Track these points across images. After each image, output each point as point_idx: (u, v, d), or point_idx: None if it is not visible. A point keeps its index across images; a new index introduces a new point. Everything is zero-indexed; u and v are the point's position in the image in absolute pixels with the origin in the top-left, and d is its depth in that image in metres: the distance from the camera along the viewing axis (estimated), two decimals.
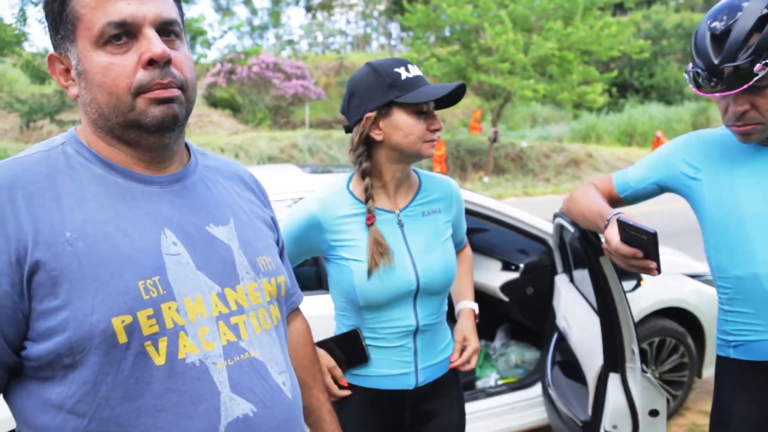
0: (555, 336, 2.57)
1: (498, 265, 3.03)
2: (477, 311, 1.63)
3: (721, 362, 1.43)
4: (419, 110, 1.37)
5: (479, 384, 2.87)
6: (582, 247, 1.79)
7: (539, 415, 2.68)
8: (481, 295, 2.83)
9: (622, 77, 26.22)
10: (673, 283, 2.98)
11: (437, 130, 1.39)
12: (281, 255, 1.11)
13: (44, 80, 11.54)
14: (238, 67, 17.77)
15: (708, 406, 3.20)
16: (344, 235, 1.42)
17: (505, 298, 2.90)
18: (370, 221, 1.40)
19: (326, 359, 1.45)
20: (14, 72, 14.96)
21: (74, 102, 1.00)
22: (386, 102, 1.35)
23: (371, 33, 41.38)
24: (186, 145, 0.99)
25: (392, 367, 1.45)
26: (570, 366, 2.42)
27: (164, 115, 0.84)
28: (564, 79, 14.64)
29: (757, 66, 1.19)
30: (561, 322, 2.49)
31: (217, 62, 18.34)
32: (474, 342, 1.56)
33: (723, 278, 1.37)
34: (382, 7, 33.01)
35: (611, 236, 1.32)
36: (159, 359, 0.80)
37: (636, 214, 1.55)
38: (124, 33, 0.82)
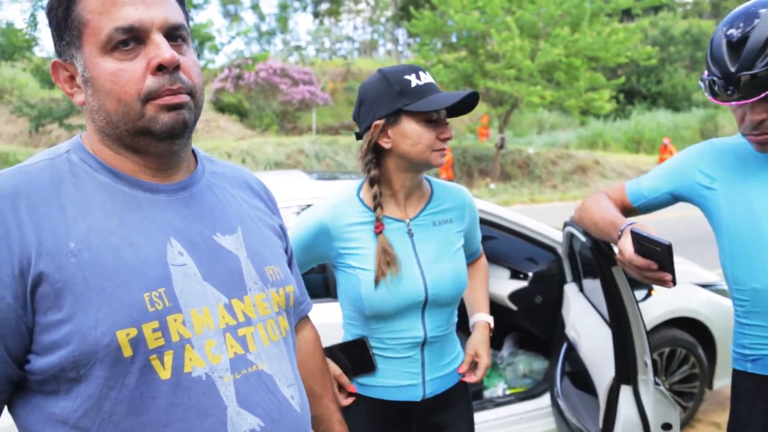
0: (564, 346, 2.54)
1: (506, 273, 3.00)
2: (492, 325, 1.60)
3: (738, 376, 1.40)
4: (429, 118, 1.34)
5: (487, 394, 2.84)
6: (594, 257, 1.77)
7: (548, 425, 2.65)
8: (489, 303, 2.81)
9: (630, 84, 26.12)
10: (683, 293, 2.94)
11: (447, 138, 1.37)
12: (290, 263, 1.09)
13: (54, 85, 11.62)
14: (246, 72, 17.84)
15: (719, 418, 3.16)
16: (353, 243, 1.40)
17: (514, 307, 2.87)
18: (379, 229, 1.38)
19: (331, 367, 1.43)
20: (24, 76, 15.08)
21: (83, 107, 0.98)
22: (395, 110, 1.33)
23: (378, 39, 41.51)
24: (193, 152, 0.98)
25: (399, 378, 1.43)
26: (580, 377, 2.38)
27: (174, 122, 0.82)
28: (571, 86, 14.61)
29: None
30: (570, 332, 2.46)
31: (225, 67, 18.43)
32: (486, 359, 1.53)
33: (740, 290, 1.34)
34: (389, 13, 33.11)
35: (625, 247, 1.30)
36: (164, 373, 0.78)
37: (649, 221, 1.53)
38: (132, 38, 0.80)
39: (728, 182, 1.37)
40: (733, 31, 1.22)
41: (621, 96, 25.11)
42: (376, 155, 1.40)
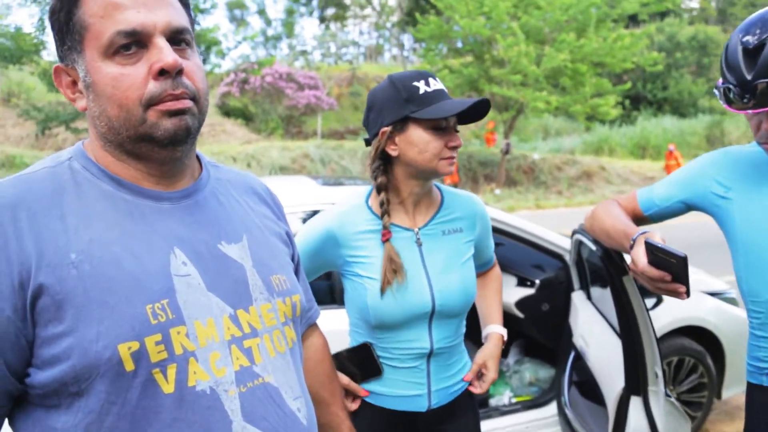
0: (572, 355, 2.51)
1: (513, 280, 2.97)
2: (506, 337, 1.58)
3: (753, 390, 1.37)
4: (436, 126, 1.32)
5: (492, 402, 2.81)
6: (605, 266, 1.74)
7: None
8: (502, 314, 2.79)
9: (636, 90, 26.09)
10: (691, 301, 2.91)
11: (456, 147, 1.34)
12: (297, 271, 1.07)
13: None
14: (252, 76, 17.91)
15: (728, 428, 3.12)
16: (360, 251, 1.38)
17: (520, 315, 2.84)
18: (386, 237, 1.36)
19: (339, 375, 1.41)
20: (32, 80, 15.17)
21: (85, 112, 0.96)
22: (402, 117, 1.31)
23: (384, 44, 41.61)
24: (198, 158, 0.96)
25: (404, 388, 1.41)
26: (588, 386, 2.35)
27: (176, 128, 0.80)
28: (577, 91, 14.60)
29: None
30: (578, 340, 2.43)
31: (231, 72, 18.50)
32: (493, 373, 1.50)
33: (755, 302, 1.32)
34: (395, 18, 33.19)
35: (638, 258, 1.27)
36: (168, 387, 0.76)
37: (656, 226, 1.51)
38: (134, 42, 0.78)
39: (743, 191, 1.34)
40: (749, 38, 1.20)
41: (627, 102, 25.11)
42: (383, 162, 1.38)
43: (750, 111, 1.20)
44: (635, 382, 1.80)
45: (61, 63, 0.84)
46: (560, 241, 2.69)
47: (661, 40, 28.45)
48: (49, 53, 12.85)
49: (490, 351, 1.52)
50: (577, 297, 2.57)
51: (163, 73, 0.78)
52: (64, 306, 0.73)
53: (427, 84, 1.32)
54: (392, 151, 1.35)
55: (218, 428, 0.78)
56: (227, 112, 19.06)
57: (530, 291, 2.85)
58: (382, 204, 1.38)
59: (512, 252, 3.02)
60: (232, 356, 0.82)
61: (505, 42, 13.78)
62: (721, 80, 1.27)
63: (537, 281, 2.85)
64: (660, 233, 1.29)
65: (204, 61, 14.10)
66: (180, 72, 0.80)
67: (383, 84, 1.36)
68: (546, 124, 24.55)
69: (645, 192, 1.54)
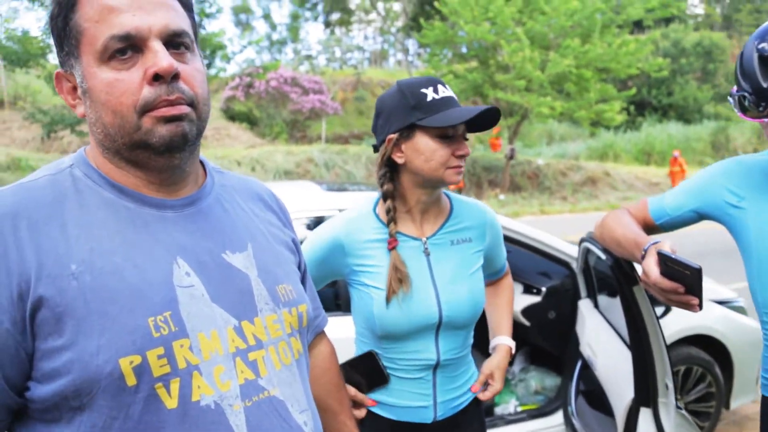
0: (579, 364, 2.48)
1: (519, 288, 2.95)
2: (514, 349, 1.55)
3: (767, 403, 1.34)
4: (444, 134, 1.29)
5: (498, 410, 2.78)
6: (614, 276, 1.71)
7: None
8: (512, 325, 2.77)
9: (640, 95, 26.04)
10: None
11: (463, 155, 1.31)
12: (303, 279, 1.05)
13: None
14: (257, 81, 17.96)
15: None
16: (367, 260, 1.36)
17: (527, 323, 2.82)
18: (392, 245, 1.34)
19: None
20: (38, 83, 15.25)
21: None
22: (408, 124, 1.29)
23: (389, 49, 41.69)
24: (202, 164, 0.94)
25: (410, 399, 1.39)
26: (595, 396, 2.32)
27: (172, 135, 0.77)
28: (581, 97, 14.57)
29: None
30: (586, 349, 2.40)
31: (236, 76, 18.55)
32: (498, 385, 1.47)
33: None
34: (399, 23, 33.26)
35: (650, 268, 1.25)
36: (171, 402, 0.74)
37: (669, 236, 1.48)
38: (129, 47, 0.76)
39: (757, 201, 1.32)
40: (765, 45, 1.17)
41: (632, 107, 25.05)
42: (390, 170, 1.36)
43: (766, 119, 1.18)
44: (645, 394, 1.77)
45: (61, 69, 0.82)
46: (567, 248, 2.66)
47: (666, 46, 28.42)
48: (55, 57, 12.91)
49: (497, 362, 1.49)
50: (584, 305, 2.54)
51: (157, 78, 0.76)
52: (64, 318, 0.70)
53: (436, 91, 1.29)
54: (398, 158, 1.33)
55: None
56: (232, 116, 19.10)
57: (536, 299, 2.83)
58: (388, 211, 1.35)
59: (518, 259, 3.00)
60: (237, 369, 0.80)
61: (510, 47, 13.76)
62: (735, 88, 1.25)
63: (543, 289, 2.82)
64: (671, 243, 1.26)
65: (209, 65, 14.14)
66: (176, 77, 0.77)
67: (391, 90, 1.34)
68: (550, 129, 24.51)
69: (656, 201, 1.52)
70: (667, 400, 1.75)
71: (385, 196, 1.36)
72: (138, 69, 0.76)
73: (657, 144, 22.15)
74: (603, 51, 14.01)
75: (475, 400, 1.49)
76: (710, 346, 2.91)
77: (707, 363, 2.89)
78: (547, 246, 2.63)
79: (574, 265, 2.61)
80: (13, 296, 0.70)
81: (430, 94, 1.29)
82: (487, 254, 1.47)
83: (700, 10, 40.62)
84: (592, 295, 2.52)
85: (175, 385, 0.74)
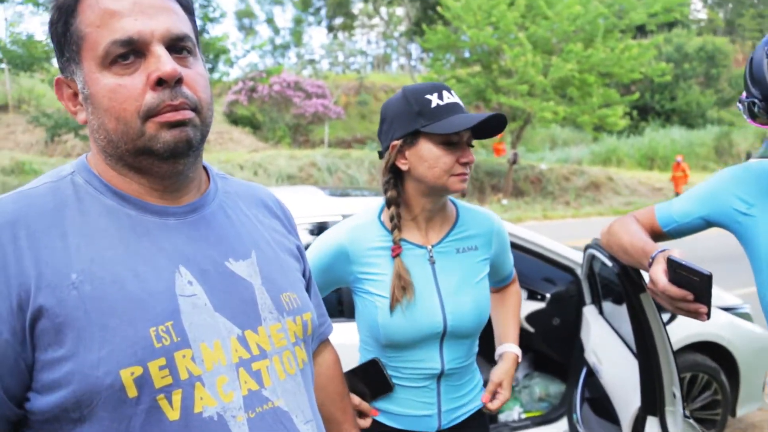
0: (584, 371, 2.46)
1: (523, 294, 2.93)
2: (521, 358, 1.53)
3: None
4: (448, 141, 1.27)
5: (502, 417, 2.76)
6: (621, 284, 1.69)
7: None
8: (518, 332, 2.75)
9: (643, 100, 26.05)
10: None
11: (468, 163, 1.29)
12: (308, 286, 1.03)
13: None
14: (260, 85, 17.99)
15: None
16: (372, 268, 1.34)
17: (531, 329, 2.80)
18: (396, 252, 1.32)
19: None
20: (42, 87, 15.30)
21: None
22: (412, 130, 1.27)
23: (391, 53, 41.76)
24: (205, 169, 0.92)
25: (414, 408, 1.37)
26: (601, 404, 2.30)
27: (176, 140, 0.76)
28: (584, 102, 14.56)
29: None
30: (590, 356, 2.38)
31: (239, 80, 18.59)
32: (507, 393, 1.45)
33: None
34: (402, 28, 33.33)
35: (657, 276, 1.23)
36: (173, 414, 0.72)
37: (677, 243, 1.46)
38: (131, 51, 0.75)
39: (767, 208, 1.30)
40: None
41: (635, 112, 25.06)
42: (394, 176, 1.35)
43: None
44: (652, 402, 1.75)
45: (62, 75, 0.81)
46: (571, 254, 2.65)
47: (669, 51, 28.41)
48: None
49: (504, 370, 1.47)
50: (589, 311, 2.52)
51: (161, 82, 0.75)
52: (64, 329, 0.69)
53: (441, 97, 1.27)
54: (402, 165, 1.31)
55: None
56: (235, 120, 19.14)
57: (541, 305, 2.81)
58: (392, 218, 1.34)
59: (522, 265, 2.98)
60: (240, 380, 0.78)
61: (513, 52, 13.77)
62: (744, 94, 1.23)
63: (548, 295, 2.81)
64: (679, 250, 1.25)
65: (212, 70, 14.16)
66: (179, 81, 0.76)
67: (396, 96, 1.33)
68: (553, 134, 24.52)
69: (664, 207, 1.50)
70: (674, 409, 1.72)
71: (389, 203, 1.35)
72: (140, 74, 0.75)
73: (660, 149, 22.13)
74: (606, 56, 14.01)
75: (480, 409, 1.47)
76: (716, 353, 2.89)
77: (713, 370, 2.87)
78: (551, 252, 2.61)
79: (579, 271, 2.59)
80: (13, 306, 0.69)
81: (434, 100, 1.27)
82: (494, 262, 1.45)
83: (703, 14, 40.63)
84: (596, 302, 2.50)
85: (177, 397, 0.72)
